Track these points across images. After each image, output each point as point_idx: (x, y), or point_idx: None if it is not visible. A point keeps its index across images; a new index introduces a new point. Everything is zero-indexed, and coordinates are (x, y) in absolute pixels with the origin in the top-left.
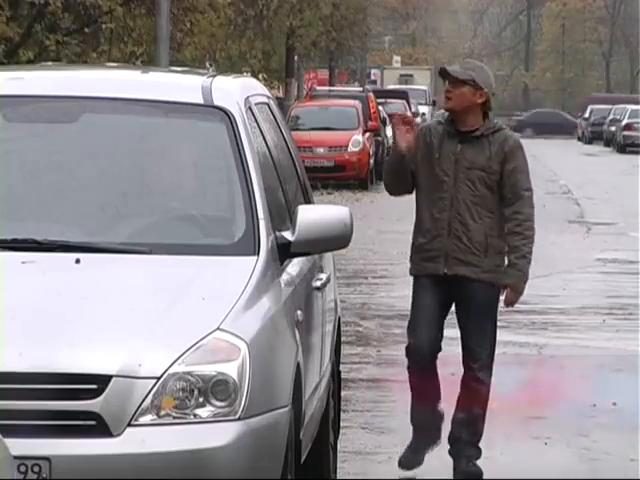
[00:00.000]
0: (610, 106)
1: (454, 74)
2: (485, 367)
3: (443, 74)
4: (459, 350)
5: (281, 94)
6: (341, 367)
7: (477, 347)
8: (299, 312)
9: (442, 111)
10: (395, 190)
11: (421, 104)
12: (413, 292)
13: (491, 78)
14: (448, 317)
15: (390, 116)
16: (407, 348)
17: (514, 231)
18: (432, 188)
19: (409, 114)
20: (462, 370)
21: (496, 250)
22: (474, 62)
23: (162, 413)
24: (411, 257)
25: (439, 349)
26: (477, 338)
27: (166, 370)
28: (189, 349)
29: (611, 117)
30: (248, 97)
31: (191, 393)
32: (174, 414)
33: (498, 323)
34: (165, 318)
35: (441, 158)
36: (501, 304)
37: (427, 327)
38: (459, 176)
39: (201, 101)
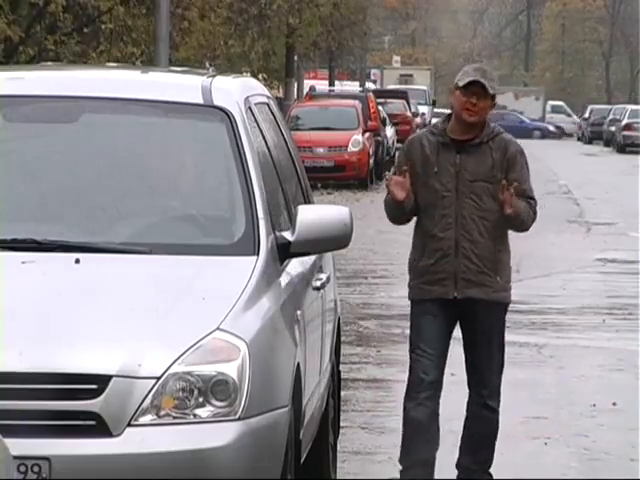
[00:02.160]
0: (610, 106)
1: (488, 89)
2: (495, 393)
3: (472, 85)
4: (459, 350)
5: (281, 94)
6: (341, 367)
7: (487, 371)
8: (299, 312)
9: (436, 121)
10: (400, 222)
11: (421, 104)
12: (414, 319)
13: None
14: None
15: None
16: (409, 383)
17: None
18: (433, 205)
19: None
20: (463, 372)
21: (504, 265)
22: (486, 68)
23: (162, 413)
24: (411, 281)
25: (442, 384)
26: (487, 361)
27: (166, 370)
28: (189, 349)
29: (611, 117)
30: (248, 97)
31: (191, 393)
32: (174, 414)
33: None
34: (165, 318)
35: (440, 172)
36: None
37: (435, 362)
38: (462, 190)
39: (201, 101)
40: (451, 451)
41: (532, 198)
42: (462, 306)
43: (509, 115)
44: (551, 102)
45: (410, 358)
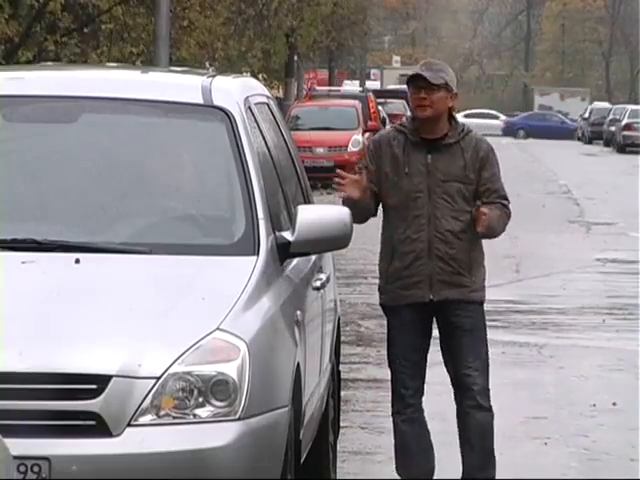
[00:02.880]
0: (610, 106)
1: (432, 80)
2: (485, 391)
3: (415, 80)
4: None
5: (281, 94)
6: (341, 367)
7: (473, 371)
8: (299, 312)
9: (404, 119)
10: (358, 221)
11: None
12: (390, 328)
13: (455, 78)
14: None
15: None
16: (393, 396)
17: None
18: (404, 206)
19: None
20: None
21: (479, 264)
22: (440, 62)
23: (162, 413)
24: (382, 286)
25: (424, 391)
26: (472, 362)
27: (166, 370)
28: (189, 349)
29: (611, 117)
30: (248, 97)
31: (191, 393)
32: (174, 414)
33: (497, 323)
34: (165, 318)
35: (410, 172)
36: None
37: (413, 372)
38: (434, 190)
39: (201, 101)
40: (451, 451)
41: (505, 198)
42: (438, 307)
43: (551, 116)
44: (597, 103)
45: (389, 368)
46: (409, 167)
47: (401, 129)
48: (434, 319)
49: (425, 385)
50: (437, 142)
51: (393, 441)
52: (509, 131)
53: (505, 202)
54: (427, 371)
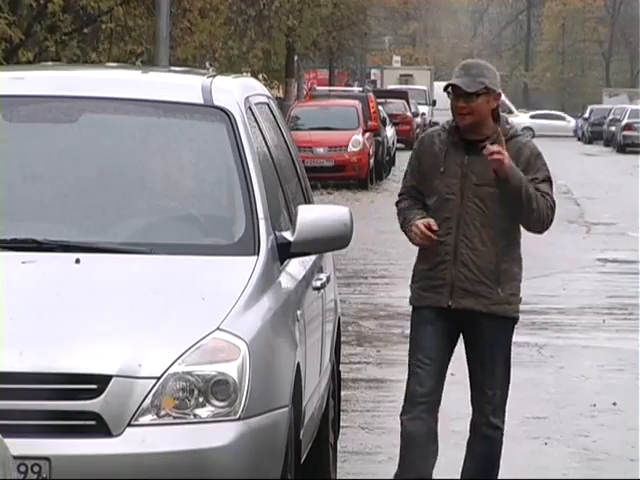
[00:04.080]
0: (610, 106)
1: (467, 89)
2: (498, 410)
3: (453, 90)
4: (460, 348)
5: (281, 94)
6: (341, 367)
7: (488, 389)
8: (299, 312)
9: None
10: None
11: (421, 104)
12: (412, 328)
13: (498, 75)
14: None
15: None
16: (405, 397)
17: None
18: (436, 207)
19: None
20: (462, 372)
21: (509, 277)
22: (479, 63)
23: (162, 413)
24: (411, 285)
25: (440, 399)
26: (488, 380)
27: (166, 370)
28: (189, 349)
29: (611, 117)
30: (248, 97)
31: (191, 393)
32: (174, 414)
33: None
34: (165, 318)
35: (446, 172)
36: None
37: (431, 372)
38: (466, 193)
39: (201, 101)
40: (451, 451)
41: (549, 194)
42: (461, 317)
43: None
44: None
45: (408, 369)
46: (445, 167)
47: (446, 127)
48: (458, 332)
49: (442, 393)
50: (477, 143)
51: (400, 446)
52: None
53: (547, 197)
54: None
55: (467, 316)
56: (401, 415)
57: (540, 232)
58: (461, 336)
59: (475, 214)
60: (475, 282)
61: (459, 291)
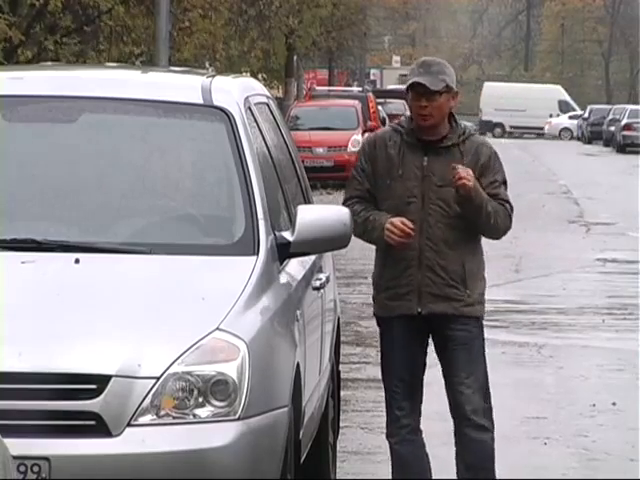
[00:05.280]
0: (610, 106)
1: (433, 87)
2: (481, 410)
3: (420, 87)
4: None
5: (280, 94)
6: (341, 367)
7: (466, 389)
8: (299, 312)
9: (402, 118)
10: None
11: None
12: (382, 342)
13: (454, 74)
14: None
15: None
16: (387, 416)
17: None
18: (396, 211)
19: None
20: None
21: (475, 276)
22: (437, 60)
23: (162, 413)
24: (374, 296)
25: (420, 411)
26: (465, 380)
27: (166, 370)
28: (189, 349)
29: (610, 117)
30: (248, 97)
31: (190, 393)
32: (174, 414)
33: (497, 323)
34: (165, 318)
35: (404, 175)
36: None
37: (407, 393)
38: (428, 195)
39: (200, 101)
40: (451, 451)
41: (507, 202)
42: (430, 322)
43: None
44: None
45: (383, 386)
46: (403, 169)
47: (398, 129)
48: (428, 332)
49: (422, 405)
50: (435, 144)
51: (390, 466)
52: None
53: (506, 205)
54: (425, 372)
55: (437, 320)
56: (387, 437)
57: (497, 239)
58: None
59: (439, 216)
60: (443, 285)
61: (428, 296)
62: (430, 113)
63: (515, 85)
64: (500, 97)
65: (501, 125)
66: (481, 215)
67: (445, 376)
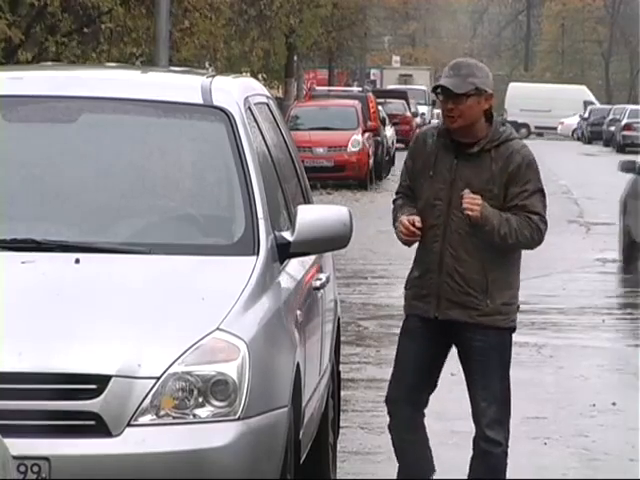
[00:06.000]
0: (610, 106)
1: (457, 90)
2: (495, 424)
3: (442, 91)
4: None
5: (280, 94)
6: (341, 367)
7: (482, 401)
8: (299, 312)
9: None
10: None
11: (420, 104)
12: (400, 334)
13: (490, 75)
14: None
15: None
16: (386, 401)
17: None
18: (425, 212)
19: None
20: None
21: (500, 286)
22: (469, 62)
23: (162, 413)
24: (405, 292)
25: (424, 404)
26: (481, 392)
27: (165, 370)
28: (188, 349)
29: (610, 117)
30: (247, 97)
31: (190, 393)
32: (174, 414)
33: None
34: (165, 318)
35: (435, 177)
36: None
37: (410, 377)
38: (453, 200)
39: (200, 101)
40: (451, 451)
41: (536, 214)
42: (449, 328)
43: None
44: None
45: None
46: (434, 170)
47: (439, 126)
48: (449, 339)
49: (424, 406)
50: (466, 148)
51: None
52: None
53: (532, 216)
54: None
55: (455, 327)
56: (389, 428)
57: (531, 249)
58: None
59: (460, 222)
60: (460, 293)
61: (445, 302)
62: (458, 115)
63: (540, 86)
64: (525, 97)
65: (526, 126)
66: (493, 238)
67: (467, 384)
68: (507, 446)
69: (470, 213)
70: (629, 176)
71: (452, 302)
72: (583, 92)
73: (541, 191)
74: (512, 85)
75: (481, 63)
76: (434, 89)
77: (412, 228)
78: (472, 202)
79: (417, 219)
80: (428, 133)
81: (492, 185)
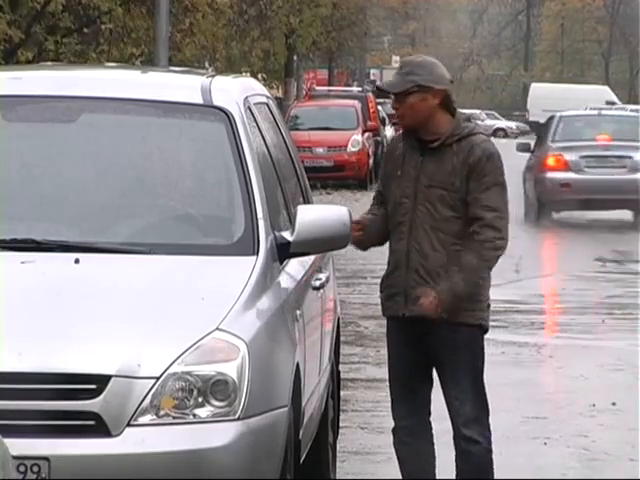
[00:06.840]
0: (610, 106)
1: (392, 89)
2: (471, 422)
3: (381, 91)
4: None
5: (280, 94)
6: (341, 367)
7: (454, 400)
8: (298, 312)
9: None
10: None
11: None
12: (386, 338)
13: (440, 69)
14: None
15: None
16: (393, 418)
17: (470, 246)
18: (394, 211)
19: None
20: None
21: None
22: (413, 60)
23: (161, 413)
24: (379, 294)
25: (427, 404)
26: (453, 390)
27: (165, 370)
28: (188, 349)
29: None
30: (247, 97)
31: (190, 393)
32: (173, 414)
33: (497, 323)
34: (164, 318)
35: (402, 176)
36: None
37: (402, 393)
38: (418, 196)
39: (200, 101)
40: (451, 451)
41: (493, 210)
42: (419, 326)
43: None
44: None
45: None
46: (402, 170)
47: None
48: (420, 337)
49: (426, 407)
50: (430, 144)
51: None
52: None
53: (489, 215)
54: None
55: (425, 324)
56: (392, 435)
57: (503, 251)
58: None
59: (425, 217)
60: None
61: (412, 299)
62: (403, 114)
63: (562, 86)
64: (547, 98)
65: None
66: (478, 290)
67: (440, 384)
68: (489, 443)
69: (430, 314)
70: (526, 155)
71: (418, 298)
72: (605, 92)
73: (500, 184)
74: (534, 85)
75: (429, 59)
76: (374, 91)
77: (355, 226)
78: (427, 305)
79: (360, 218)
80: (399, 137)
81: (454, 178)
